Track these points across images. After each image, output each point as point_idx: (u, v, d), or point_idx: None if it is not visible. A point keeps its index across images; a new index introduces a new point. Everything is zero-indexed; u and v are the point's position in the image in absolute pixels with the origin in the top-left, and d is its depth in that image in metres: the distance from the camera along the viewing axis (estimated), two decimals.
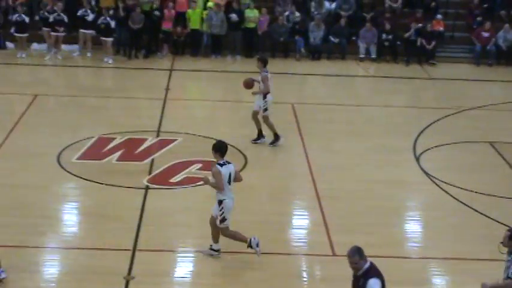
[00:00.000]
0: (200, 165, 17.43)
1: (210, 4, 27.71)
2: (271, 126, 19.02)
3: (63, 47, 27.34)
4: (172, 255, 13.66)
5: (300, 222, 15.59)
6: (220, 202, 13.08)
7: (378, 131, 20.61)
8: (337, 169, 17.76)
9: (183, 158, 17.86)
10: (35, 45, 27.61)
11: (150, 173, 16.98)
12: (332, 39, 28.30)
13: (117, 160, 17.66)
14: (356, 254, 9.61)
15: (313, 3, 28.90)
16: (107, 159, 17.72)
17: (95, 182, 16.40)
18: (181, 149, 18.53)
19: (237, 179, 13.43)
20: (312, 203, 15.89)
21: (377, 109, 22.93)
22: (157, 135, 19.30)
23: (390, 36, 28.28)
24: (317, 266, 13.63)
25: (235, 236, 13.33)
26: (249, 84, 18.78)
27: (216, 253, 13.50)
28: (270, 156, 18.43)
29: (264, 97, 18.78)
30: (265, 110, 18.84)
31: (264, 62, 18.76)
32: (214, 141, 18.55)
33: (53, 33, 26.69)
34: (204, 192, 16.13)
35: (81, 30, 26.91)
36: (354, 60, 28.43)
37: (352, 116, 22.00)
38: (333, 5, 29.28)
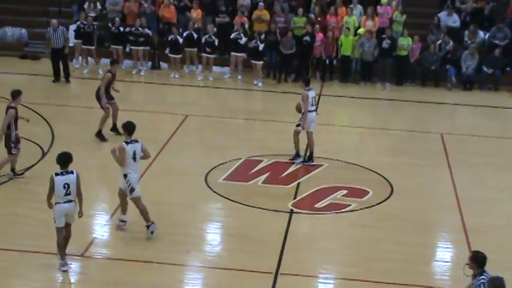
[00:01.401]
0: (345, 191, 17.33)
1: (360, 30, 27.62)
2: (296, 143, 18.97)
3: (214, 68, 27.81)
4: (314, 281, 13.61)
5: (445, 255, 15.17)
6: (125, 176, 14.44)
7: None
8: (487, 202, 17.28)
9: (328, 183, 17.81)
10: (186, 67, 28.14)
11: (295, 197, 17.00)
12: (485, 69, 27.63)
13: (262, 183, 17.79)
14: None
15: (466, 33, 28.32)
16: (253, 181, 17.87)
17: (240, 203, 16.56)
18: (326, 174, 18.48)
19: (145, 156, 14.80)
20: (458, 236, 15.49)
21: None
22: (304, 160, 19.30)
23: None
24: None
25: (142, 211, 14.57)
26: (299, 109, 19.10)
27: (123, 223, 14.91)
28: (416, 186, 18.10)
29: (303, 114, 18.83)
30: (298, 125, 18.91)
31: (304, 82, 19.16)
32: (360, 169, 18.70)
33: (203, 55, 27.20)
34: (349, 219, 16.10)
35: (233, 53, 27.29)
36: (508, 92, 27.64)
37: (504, 149, 21.37)
38: (487, 35, 28.59)
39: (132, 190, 14.48)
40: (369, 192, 17.39)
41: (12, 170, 17.29)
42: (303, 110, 18.79)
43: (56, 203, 13.05)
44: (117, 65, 21.16)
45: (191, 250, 14.32)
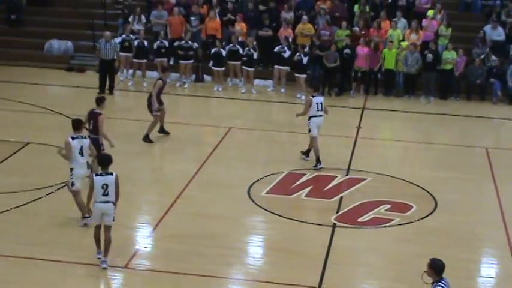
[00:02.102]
0: (389, 205, 17.24)
1: (403, 43, 27.48)
2: (316, 150, 19.55)
3: (258, 82, 27.83)
4: None
5: (490, 271, 15.00)
6: (71, 169, 15.20)
7: None
8: None
9: (371, 197, 17.73)
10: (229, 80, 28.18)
11: (338, 211, 16.96)
12: None
13: (305, 196, 17.77)
14: None
15: None
16: (295, 194, 17.85)
17: (283, 216, 16.55)
18: (370, 188, 18.39)
19: (91, 153, 15.46)
20: (503, 252, 15.33)
21: None
22: (347, 174, 19.25)
23: None
24: None
25: (81, 204, 15.26)
26: None
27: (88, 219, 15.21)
28: (460, 201, 17.95)
29: (309, 119, 19.52)
30: (309, 131, 19.53)
31: (312, 87, 20.22)
32: (404, 183, 18.58)
33: (243, 68, 27.27)
34: (392, 233, 16.02)
35: (276, 66, 27.31)
36: None
37: None
38: None
39: (72, 184, 15.28)
40: (412, 207, 17.29)
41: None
42: (304, 114, 19.66)
43: (94, 202, 13.60)
44: (169, 72, 22.42)
45: (234, 263, 14.34)
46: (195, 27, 28.62)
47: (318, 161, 19.42)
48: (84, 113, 22.95)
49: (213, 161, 19.83)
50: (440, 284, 10.36)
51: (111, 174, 13.56)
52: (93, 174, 13.66)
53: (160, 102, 21.08)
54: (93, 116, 17.48)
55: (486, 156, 21.18)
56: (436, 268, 10.41)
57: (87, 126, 17.45)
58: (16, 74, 28.12)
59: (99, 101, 17.75)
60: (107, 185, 13.45)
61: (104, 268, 13.70)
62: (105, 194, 13.48)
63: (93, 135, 17.31)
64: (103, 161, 13.77)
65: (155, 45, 27.75)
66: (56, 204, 16.72)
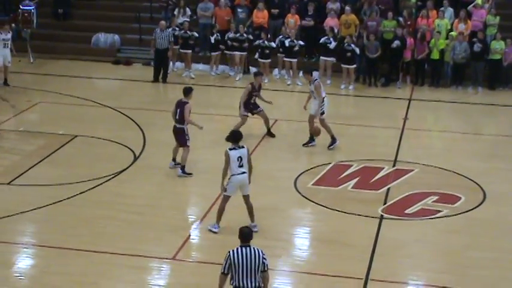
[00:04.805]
0: (436, 197, 17.10)
1: (452, 33, 27.17)
2: (328, 129, 20.18)
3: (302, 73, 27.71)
4: (404, 287, 13.48)
5: None
6: None
7: None
8: None
9: (419, 189, 17.60)
10: (275, 71, 28.11)
11: (385, 202, 16.87)
12: None
13: (352, 188, 17.69)
14: None
15: None
16: (342, 186, 17.79)
17: (329, 208, 16.51)
18: (417, 179, 18.25)
19: None
20: None
21: None
22: (394, 165, 19.13)
23: None
24: None
25: None
26: (316, 132, 20.33)
27: None
28: (509, 192, 17.73)
29: (321, 102, 20.02)
30: (323, 113, 20.08)
31: (311, 74, 20.45)
32: (451, 174, 18.38)
33: (285, 59, 27.22)
34: (440, 225, 15.91)
35: (322, 57, 27.21)
36: None
37: None
38: None
39: None
40: (460, 198, 17.13)
41: (174, 159, 18.46)
42: (319, 98, 20.07)
43: (231, 175, 14.77)
44: (260, 76, 21.68)
45: (280, 254, 14.34)
46: (241, 19, 28.61)
47: (333, 138, 20.26)
48: (129, 105, 23.30)
49: (259, 153, 19.82)
50: (232, 250, 10.85)
51: (243, 147, 14.80)
52: (227, 149, 14.72)
53: (256, 106, 21.02)
54: (180, 106, 17.86)
55: None
56: (240, 235, 10.96)
57: (175, 116, 17.88)
58: (63, 67, 28.41)
59: (187, 91, 18.15)
60: (241, 157, 14.67)
61: (255, 231, 13.97)
62: (240, 166, 14.69)
63: (179, 124, 17.80)
64: (234, 137, 14.90)
65: (212, 39, 27.75)
66: (102, 196, 16.88)
